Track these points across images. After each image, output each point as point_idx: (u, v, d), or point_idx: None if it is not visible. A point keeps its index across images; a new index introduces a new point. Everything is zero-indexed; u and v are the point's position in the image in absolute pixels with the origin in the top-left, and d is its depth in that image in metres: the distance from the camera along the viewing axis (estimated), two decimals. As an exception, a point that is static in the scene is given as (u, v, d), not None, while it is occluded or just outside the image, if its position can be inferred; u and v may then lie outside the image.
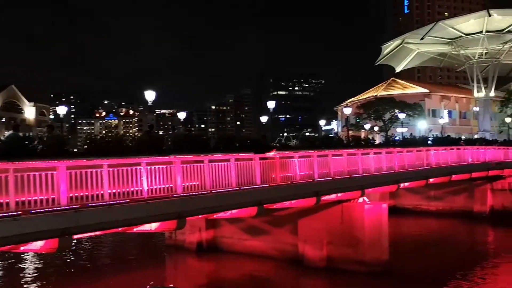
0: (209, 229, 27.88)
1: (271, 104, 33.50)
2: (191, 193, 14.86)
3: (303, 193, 19.37)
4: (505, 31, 64.48)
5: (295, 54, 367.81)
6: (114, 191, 12.82)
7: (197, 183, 15.11)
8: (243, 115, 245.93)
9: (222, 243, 27.92)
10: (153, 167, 13.84)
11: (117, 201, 12.84)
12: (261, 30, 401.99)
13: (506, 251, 30.55)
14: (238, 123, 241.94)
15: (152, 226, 14.68)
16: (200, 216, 17.20)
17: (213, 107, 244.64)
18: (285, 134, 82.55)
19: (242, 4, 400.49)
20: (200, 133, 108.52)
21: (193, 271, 25.98)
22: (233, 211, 16.96)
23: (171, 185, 14.28)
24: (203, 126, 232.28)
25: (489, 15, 61.86)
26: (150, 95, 24.77)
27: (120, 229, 13.85)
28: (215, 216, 18.00)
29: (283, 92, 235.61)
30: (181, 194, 14.52)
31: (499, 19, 62.73)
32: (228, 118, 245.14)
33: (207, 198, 15.36)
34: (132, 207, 13.14)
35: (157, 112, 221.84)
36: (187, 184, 14.76)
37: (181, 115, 43.87)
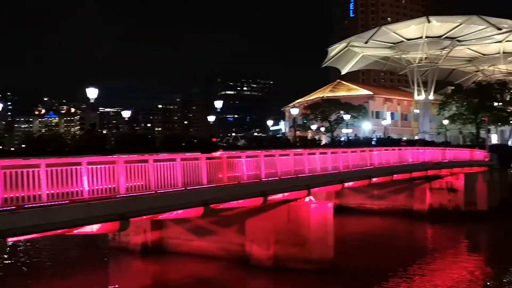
0: (155, 230, 27.33)
1: (218, 104, 33.33)
2: (135, 194, 14.46)
3: (250, 193, 19.34)
4: (443, 37, 67.49)
5: (244, 54, 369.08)
6: (52, 191, 12.26)
7: (142, 183, 14.72)
8: (191, 115, 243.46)
9: (168, 244, 27.45)
10: (94, 166, 13.34)
11: (56, 202, 12.29)
12: (211, 29, 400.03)
13: (442, 247, 32.02)
14: (185, 122, 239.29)
15: (93, 228, 14.15)
16: (144, 217, 16.77)
17: (160, 106, 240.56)
18: (233, 134, 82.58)
19: (194, 2, 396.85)
20: (146, 133, 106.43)
21: (137, 273, 25.35)
22: (179, 211, 16.66)
23: (113, 186, 13.82)
24: (149, 125, 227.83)
25: (429, 22, 64.56)
26: (92, 93, 23.90)
27: (59, 231, 13.24)
28: (160, 216, 17.62)
29: (232, 92, 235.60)
30: (125, 195, 14.09)
31: (437, 25, 65.60)
32: (176, 118, 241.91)
33: (152, 199, 15.00)
34: (72, 208, 12.61)
35: (101, 110, 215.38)
36: (131, 184, 14.34)
37: (126, 114, 42.81)
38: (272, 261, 23.11)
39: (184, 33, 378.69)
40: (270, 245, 23.21)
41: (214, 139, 19.37)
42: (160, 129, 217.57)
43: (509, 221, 40.30)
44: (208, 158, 17.30)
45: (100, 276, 24.36)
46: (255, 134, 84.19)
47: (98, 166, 13.46)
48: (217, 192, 17.52)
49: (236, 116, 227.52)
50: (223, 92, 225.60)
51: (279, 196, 21.64)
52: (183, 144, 17.88)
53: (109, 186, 13.74)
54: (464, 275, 24.07)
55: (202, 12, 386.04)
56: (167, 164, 15.54)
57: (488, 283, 22.72)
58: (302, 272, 22.02)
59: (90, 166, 13.21)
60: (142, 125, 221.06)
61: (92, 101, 23.75)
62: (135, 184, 14.53)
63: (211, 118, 38.99)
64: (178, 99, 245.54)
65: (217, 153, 18.34)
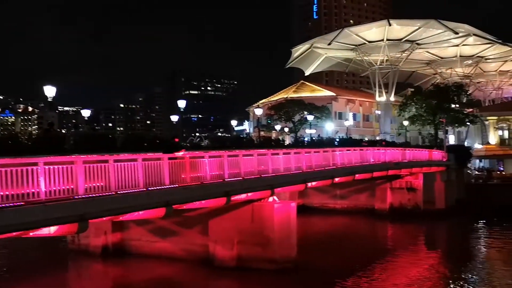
0: (116, 232, 26.80)
1: (181, 104, 32.98)
2: (94, 194, 14.09)
3: (213, 193, 19.23)
4: (403, 40, 69.06)
5: (209, 53, 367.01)
6: (7, 193, 11.78)
7: (102, 184, 14.36)
8: (154, 114, 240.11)
9: (130, 246, 26.98)
10: (52, 167, 12.91)
11: (10, 204, 11.81)
12: (175, 28, 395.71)
13: (403, 245, 32.80)
14: (148, 122, 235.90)
15: (51, 230, 13.71)
16: (104, 218, 16.39)
17: (122, 105, 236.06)
18: (197, 134, 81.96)
19: (158, 3, 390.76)
20: (106, 132, 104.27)
21: (97, 276, 24.78)
22: (140, 212, 16.37)
23: (72, 186, 13.41)
24: (110, 125, 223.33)
25: (389, 25, 65.92)
26: (50, 91, 23.13)
27: (14, 233, 12.72)
28: (121, 218, 17.27)
29: (195, 92, 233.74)
30: (83, 196, 13.71)
31: (398, 29, 67.05)
32: (138, 117, 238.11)
33: (112, 199, 14.66)
34: (28, 209, 12.15)
35: (60, 109, 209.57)
36: (90, 185, 13.97)
37: (85, 113, 41.73)
38: (235, 261, 23.13)
39: (146, 33, 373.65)
40: (234, 245, 23.21)
41: (176, 139, 19.13)
42: (121, 129, 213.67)
43: (465, 219, 41.67)
44: (170, 158, 17.08)
45: (58, 280, 23.64)
46: (219, 134, 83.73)
47: (56, 167, 13.04)
48: (179, 192, 17.32)
49: (200, 116, 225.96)
50: (187, 92, 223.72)
51: (242, 196, 21.61)
52: (145, 144, 17.54)
53: (67, 187, 13.33)
54: (423, 272, 24.69)
55: (164, 12, 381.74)
56: (128, 164, 15.23)
57: (445, 280, 23.35)
58: (266, 272, 22.10)
59: (47, 166, 12.78)
60: (103, 124, 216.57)
61: (50, 99, 22.97)
62: (94, 184, 14.17)
63: (174, 118, 38.47)
64: (140, 99, 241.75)
65: (179, 153, 18.11)
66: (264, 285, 21.77)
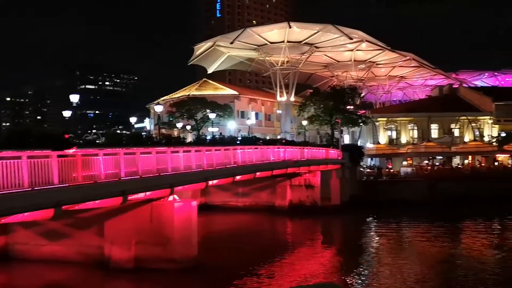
0: (-1, 236, 24.49)
1: (74, 98, 31.05)
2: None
3: (108, 192, 18.26)
4: (303, 42, 71.55)
5: (108, 47, 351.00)
6: None
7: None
8: (45, 109, 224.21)
9: (15, 250, 24.89)
10: None
11: None
12: (68, 18, 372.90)
13: (301, 240, 33.91)
14: (39, 117, 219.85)
15: None
16: (-18, 222, 14.80)
17: (8, 99, 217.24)
18: (94, 131, 77.98)
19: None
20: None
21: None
22: (25, 213, 15.00)
23: None
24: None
25: (290, 27, 67.94)
26: None
27: None
28: (3, 220, 15.69)
29: (92, 87, 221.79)
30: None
31: (298, 31, 69.32)
32: (27, 112, 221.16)
33: (-8, 201, 13.25)
34: None
35: None
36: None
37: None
38: (133, 262, 22.43)
39: (39, 23, 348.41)
40: (131, 246, 22.51)
41: (66, 136, 17.84)
42: (8, 124, 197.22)
43: (358, 214, 44.17)
44: (60, 156, 15.88)
45: None
46: (118, 131, 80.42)
47: None
48: (70, 192, 16.21)
49: (97, 112, 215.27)
50: (83, 86, 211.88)
51: (140, 195, 20.84)
52: (31, 140, 16.14)
53: None
54: (319, 266, 25.72)
55: (62, 2, 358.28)
56: (11, 162, 13.88)
57: (340, 271, 24.46)
58: (165, 272, 21.60)
59: None
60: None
61: None
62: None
63: (67, 113, 36.02)
64: (30, 92, 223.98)
65: (70, 151, 16.92)
66: (162, 286, 21.29)
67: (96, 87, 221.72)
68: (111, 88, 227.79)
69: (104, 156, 18.24)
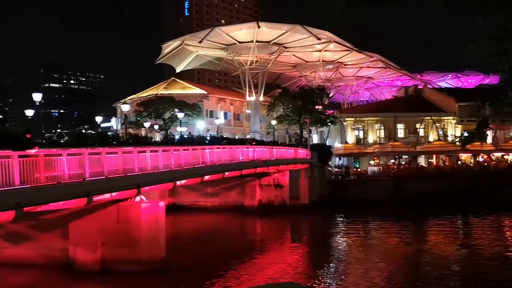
0: (-45, 240, 23.56)
1: (37, 97, 30.18)
2: None
3: (72, 193, 17.82)
4: (271, 42, 71.74)
5: (73, 45, 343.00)
6: None
7: None
8: (7, 108, 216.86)
9: (-27, 254, 23.94)
10: None
11: None
12: (32, 15, 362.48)
13: (270, 240, 33.98)
14: (0, 117, 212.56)
15: None
16: None
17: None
18: (58, 130, 76.02)
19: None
20: None
21: None
22: (-16, 216, 14.47)
23: None
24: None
25: (259, 27, 67.99)
26: None
27: None
28: (-40, 223, 15.11)
29: (57, 85, 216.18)
30: None
31: (267, 31, 69.42)
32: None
33: None
34: None
35: None
36: None
37: None
38: (99, 264, 22.05)
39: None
40: (97, 248, 22.14)
41: (28, 135, 17.29)
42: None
43: (326, 213, 44.63)
44: (21, 156, 15.37)
45: None
46: (83, 131, 78.62)
47: None
48: (32, 193, 15.74)
49: (62, 111, 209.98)
50: (47, 85, 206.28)
51: (106, 196, 20.44)
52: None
53: None
54: (288, 265, 25.73)
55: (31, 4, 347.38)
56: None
57: (309, 270, 24.62)
58: (132, 274, 21.25)
59: None
60: None
61: None
62: None
63: (29, 113, 34.90)
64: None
65: (32, 151, 16.40)
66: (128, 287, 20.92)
67: (60, 85, 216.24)
68: (76, 86, 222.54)
69: (68, 156, 17.80)
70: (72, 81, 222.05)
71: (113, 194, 20.85)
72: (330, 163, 60.17)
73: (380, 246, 31.89)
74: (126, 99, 76.39)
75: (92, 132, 73.04)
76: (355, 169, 63.29)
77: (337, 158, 66.95)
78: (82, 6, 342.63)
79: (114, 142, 37.10)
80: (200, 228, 38.42)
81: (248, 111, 77.32)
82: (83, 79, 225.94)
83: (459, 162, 64.95)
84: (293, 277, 22.66)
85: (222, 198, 46.18)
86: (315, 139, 73.54)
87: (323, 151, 55.93)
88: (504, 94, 11.06)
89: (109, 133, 61.56)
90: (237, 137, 65.48)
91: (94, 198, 19.23)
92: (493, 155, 67.68)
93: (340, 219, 43.14)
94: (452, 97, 71.20)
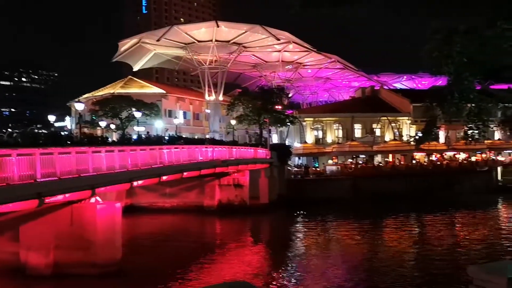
0: None
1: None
2: None
3: (22, 195, 17.11)
4: (231, 42, 71.50)
5: (25, 42, 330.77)
6: None
7: None
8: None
9: None
10: None
11: None
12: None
13: (230, 240, 33.80)
14: None
15: None
16: None
17: None
18: (9, 130, 72.98)
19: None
20: None
21: None
22: None
23: None
24: None
25: (218, 26, 67.61)
26: None
27: None
28: None
29: (7, 83, 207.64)
30: None
31: (226, 31, 69.14)
32: None
33: None
34: None
35: None
36: None
37: None
38: (52, 268, 21.44)
39: None
40: (50, 251, 21.51)
41: (-26, 134, 16.51)
42: None
43: (286, 212, 44.85)
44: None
45: None
46: (36, 130, 75.86)
47: None
48: (-21, 195, 14.92)
49: (13, 110, 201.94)
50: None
51: (59, 197, 19.75)
52: None
53: None
54: (246, 266, 25.69)
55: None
56: None
57: (269, 268, 24.63)
58: (87, 277, 20.66)
59: None
60: None
61: None
62: None
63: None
64: None
65: (-22, 151, 15.61)
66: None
67: (11, 83, 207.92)
68: (28, 85, 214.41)
69: (18, 156, 17.03)
70: (24, 79, 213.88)
71: (66, 195, 20.20)
72: (289, 162, 60.58)
73: (338, 244, 32.36)
74: (80, 97, 74.15)
75: (45, 131, 70.53)
76: (314, 169, 63.98)
77: (297, 158, 67.50)
78: (39, 6, 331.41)
79: (68, 142, 35.95)
80: (158, 230, 37.80)
81: (207, 110, 76.76)
82: (36, 77, 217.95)
83: (414, 161, 66.82)
84: (250, 277, 22.58)
85: (181, 198, 45.64)
86: (275, 139, 73.85)
87: (282, 151, 56.21)
88: (451, 95, 11.38)
89: (62, 133, 59.56)
90: (196, 137, 64.87)
91: (46, 200, 18.55)
92: (445, 154, 70.05)
93: (300, 218, 43.46)
94: (406, 98, 73.10)
